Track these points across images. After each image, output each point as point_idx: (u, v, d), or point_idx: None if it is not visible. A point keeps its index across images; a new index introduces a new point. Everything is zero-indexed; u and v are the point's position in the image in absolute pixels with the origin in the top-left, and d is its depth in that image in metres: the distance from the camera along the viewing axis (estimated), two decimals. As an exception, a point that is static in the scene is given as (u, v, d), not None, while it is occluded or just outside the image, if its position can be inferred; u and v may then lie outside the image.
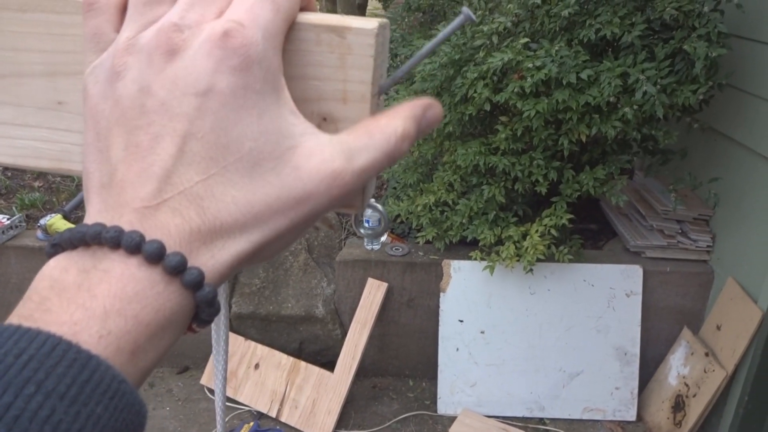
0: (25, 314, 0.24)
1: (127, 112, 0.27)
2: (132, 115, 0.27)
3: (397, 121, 0.31)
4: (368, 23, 0.30)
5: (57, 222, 2.63)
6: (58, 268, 0.26)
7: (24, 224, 2.76)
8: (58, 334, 0.23)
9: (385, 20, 0.32)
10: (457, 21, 0.32)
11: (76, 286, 0.25)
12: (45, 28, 0.33)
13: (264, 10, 0.28)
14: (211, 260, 0.27)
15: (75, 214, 2.83)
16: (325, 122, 0.32)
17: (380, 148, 0.30)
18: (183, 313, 0.27)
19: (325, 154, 0.29)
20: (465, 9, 0.32)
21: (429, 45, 0.33)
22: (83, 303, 0.24)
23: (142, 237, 0.25)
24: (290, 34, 0.30)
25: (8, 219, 2.69)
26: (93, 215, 0.27)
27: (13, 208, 2.94)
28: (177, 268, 0.25)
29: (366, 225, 2.39)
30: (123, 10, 0.30)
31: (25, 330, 0.23)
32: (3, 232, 2.63)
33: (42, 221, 2.66)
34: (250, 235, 0.28)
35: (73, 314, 0.24)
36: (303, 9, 0.31)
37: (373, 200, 0.35)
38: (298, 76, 0.31)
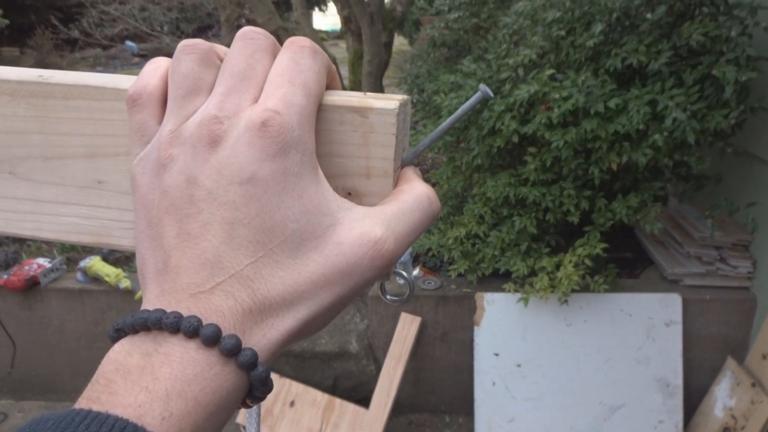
0: (93, 397, 0.26)
1: (177, 202, 0.29)
2: (181, 204, 0.29)
3: (418, 183, 0.33)
4: (389, 103, 0.32)
5: (96, 264, 2.69)
6: (122, 352, 0.27)
7: (64, 267, 2.83)
8: (125, 417, 0.24)
9: (405, 97, 0.33)
10: (474, 98, 0.33)
11: (140, 369, 0.26)
12: (87, 114, 0.36)
13: (297, 96, 0.30)
14: (263, 339, 0.28)
15: (113, 255, 2.89)
16: (349, 197, 0.34)
17: (416, 209, 0.32)
18: (238, 392, 0.28)
19: (365, 226, 0.30)
20: (482, 86, 0.33)
21: (448, 120, 0.34)
22: (146, 386, 0.25)
23: (199, 321, 0.27)
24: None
25: (49, 262, 2.76)
26: (152, 300, 0.29)
27: (54, 251, 3.02)
28: (232, 351, 0.27)
29: (399, 283, 2.40)
30: (164, 103, 0.32)
31: (95, 414, 0.24)
32: (45, 275, 2.70)
33: (81, 263, 2.73)
34: (297, 313, 0.29)
35: (137, 396, 0.25)
36: (328, 87, 0.33)
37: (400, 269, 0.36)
38: (324, 154, 0.32)
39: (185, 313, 0.27)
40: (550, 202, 2.24)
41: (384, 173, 0.33)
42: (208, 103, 0.30)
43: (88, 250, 3.07)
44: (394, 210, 0.31)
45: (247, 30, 0.32)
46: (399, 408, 2.66)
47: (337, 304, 0.30)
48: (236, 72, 0.30)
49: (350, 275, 0.30)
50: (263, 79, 0.31)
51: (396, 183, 0.34)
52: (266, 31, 0.32)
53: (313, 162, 0.30)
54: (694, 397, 2.49)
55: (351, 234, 0.30)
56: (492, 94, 0.33)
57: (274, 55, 0.32)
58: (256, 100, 0.30)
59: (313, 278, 0.29)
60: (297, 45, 0.31)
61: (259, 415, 0.37)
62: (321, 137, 0.32)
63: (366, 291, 2.65)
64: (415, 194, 0.32)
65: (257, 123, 0.29)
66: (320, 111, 0.32)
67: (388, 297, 0.38)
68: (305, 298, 0.29)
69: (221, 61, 0.32)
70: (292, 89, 0.30)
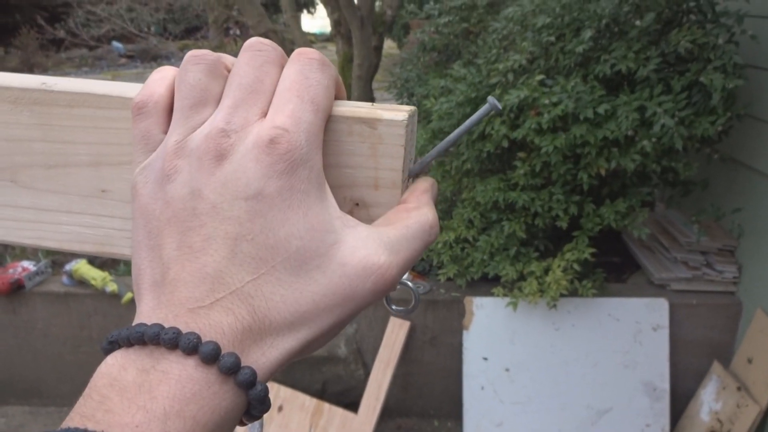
0: (88, 414, 0.25)
1: (179, 214, 0.29)
2: (184, 216, 0.29)
3: (426, 209, 0.33)
4: (398, 114, 0.32)
5: (82, 267, 2.67)
6: (116, 365, 0.26)
7: (50, 270, 2.79)
8: None
9: (413, 108, 0.33)
10: (482, 110, 0.33)
11: (137, 387, 0.25)
12: (91, 122, 0.36)
13: (305, 112, 0.29)
14: (261, 358, 0.28)
15: (99, 259, 2.86)
16: (357, 207, 0.33)
17: (419, 237, 0.32)
18: (237, 411, 0.27)
19: (369, 249, 0.30)
20: (491, 98, 0.33)
21: (456, 132, 0.34)
22: (144, 404, 0.25)
23: (198, 338, 0.26)
24: None
25: (34, 265, 2.73)
26: (147, 312, 0.28)
27: (39, 254, 2.99)
28: (231, 369, 0.26)
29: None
30: (169, 112, 0.32)
31: None
32: (29, 278, 2.67)
33: (67, 267, 2.70)
34: (298, 333, 0.29)
35: (134, 416, 0.24)
36: (335, 98, 0.32)
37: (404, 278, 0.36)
38: (332, 165, 0.32)
39: (183, 328, 0.26)
40: (539, 207, 2.24)
41: (392, 184, 0.33)
42: (216, 116, 0.30)
43: (74, 254, 3.04)
44: (398, 235, 0.31)
45: (254, 41, 0.31)
46: (388, 412, 2.66)
47: (337, 325, 0.30)
48: (244, 84, 0.30)
49: (352, 299, 0.29)
50: (271, 92, 0.30)
51: (404, 191, 0.34)
52: (274, 43, 0.32)
53: (320, 178, 0.30)
54: (680, 401, 2.51)
55: (355, 256, 0.29)
56: (500, 107, 0.33)
57: (282, 67, 0.31)
58: (264, 113, 0.30)
59: (316, 299, 0.29)
60: (305, 57, 0.31)
61: (261, 425, 0.37)
62: (329, 148, 0.32)
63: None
64: (421, 222, 0.32)
65: (265, 140, 0.28)
66: (328, 122, 0.32)
67: (393, 307, 0.38)
68: (307, 319, 0.29)
69: (228, 71, 0.32)
70: (301, 105, 0.29)
